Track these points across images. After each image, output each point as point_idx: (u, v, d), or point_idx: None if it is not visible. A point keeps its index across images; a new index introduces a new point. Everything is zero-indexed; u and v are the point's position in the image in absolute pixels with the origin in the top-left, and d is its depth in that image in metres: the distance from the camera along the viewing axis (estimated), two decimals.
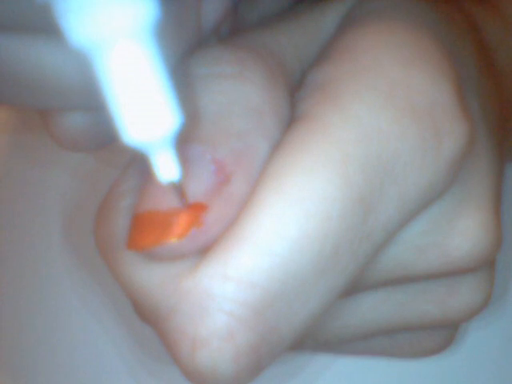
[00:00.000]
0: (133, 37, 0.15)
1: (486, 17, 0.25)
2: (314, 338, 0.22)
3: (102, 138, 0.21)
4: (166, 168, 0.17)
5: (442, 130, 0.19)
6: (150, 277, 0.19)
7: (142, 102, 0.16)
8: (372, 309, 0.22)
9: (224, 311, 0.18)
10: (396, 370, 0.28)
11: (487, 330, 0.28)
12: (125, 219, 0.19)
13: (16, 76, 0.18)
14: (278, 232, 0.18)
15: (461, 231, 0.20)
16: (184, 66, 0.20)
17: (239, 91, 0.19)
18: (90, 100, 0.18)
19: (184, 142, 0.19)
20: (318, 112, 0.19)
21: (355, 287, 0.20)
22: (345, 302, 0.22)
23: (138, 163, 0.20)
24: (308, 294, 0.18)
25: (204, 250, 0.18)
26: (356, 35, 0.20)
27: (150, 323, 0.20)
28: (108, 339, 0.29)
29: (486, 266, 0.22)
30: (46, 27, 0.16)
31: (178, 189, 0.18)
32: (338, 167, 0.18)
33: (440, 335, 0.24)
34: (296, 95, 0.20)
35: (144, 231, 0.18)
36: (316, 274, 0.18)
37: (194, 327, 0.18)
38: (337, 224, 0.18)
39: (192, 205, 0.18)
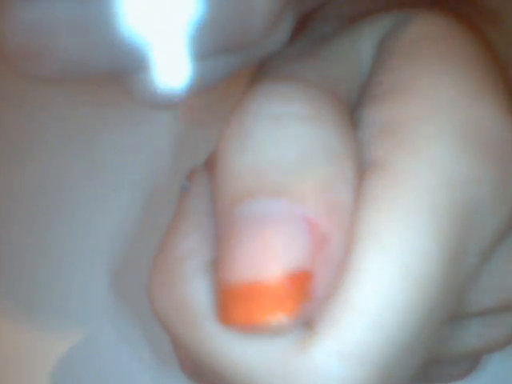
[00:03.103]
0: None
1: (497, 35, 0.24)
2: None
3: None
4: None
5: (509, 169, 0.18)
6: (250, 354, 0.17)
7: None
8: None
9: None
10: None
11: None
12: (199, 283, 0.18)
13: None
14: (387, 302, 0.16)
15: None
16: (246, 101, 0.18)
17: (318, 135, 0.17)
18: None
19: (265, 194, 0.17)
20: (394, 159, 0.17)
21: None
22: None
23: (192, 216, 0.19)
24: (406, 359, 0.17)
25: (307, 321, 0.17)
26: (411, 70, 0.19)
27: None
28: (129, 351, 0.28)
29: None
30: None
31: None
32: (430, 220, 0.17)
33: (467, 362, 0.23)
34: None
35: (242, 305, 0.16)
36: (413, 339, 0.17)
37: None
38: (436, 284, 0.17)
39: (293, 272, 0.16)
